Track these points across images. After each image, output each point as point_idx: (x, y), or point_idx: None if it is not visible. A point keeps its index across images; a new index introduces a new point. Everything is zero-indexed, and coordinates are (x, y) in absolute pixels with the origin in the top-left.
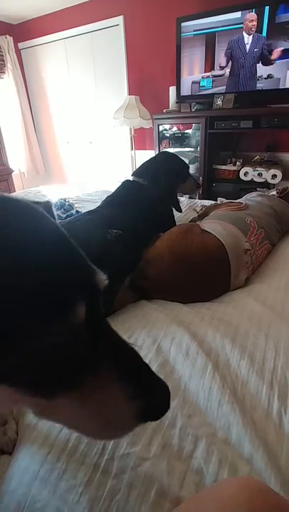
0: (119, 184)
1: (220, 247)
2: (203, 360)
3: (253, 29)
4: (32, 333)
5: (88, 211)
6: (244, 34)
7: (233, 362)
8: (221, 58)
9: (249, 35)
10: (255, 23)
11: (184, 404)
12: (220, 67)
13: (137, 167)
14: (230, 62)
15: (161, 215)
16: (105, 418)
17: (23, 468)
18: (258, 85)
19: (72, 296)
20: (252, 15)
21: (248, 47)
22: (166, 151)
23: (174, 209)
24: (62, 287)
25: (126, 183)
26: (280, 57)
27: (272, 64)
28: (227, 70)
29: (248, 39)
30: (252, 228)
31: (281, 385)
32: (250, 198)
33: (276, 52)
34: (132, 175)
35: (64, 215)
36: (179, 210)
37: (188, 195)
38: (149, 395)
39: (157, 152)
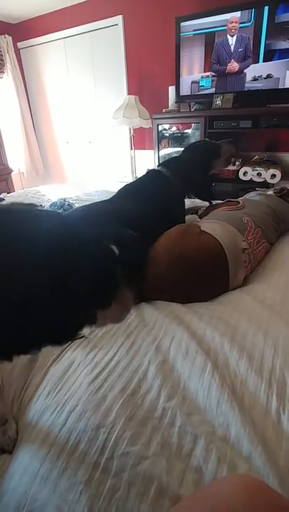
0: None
1: (217, 246)
2: (202, 359)
3: (234, 30)
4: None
5: (102, 201)
6: (228, 36)
7: (232, 361)
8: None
9: (232, 36)
10: (236, 24)
11: (184, 402)
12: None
13: (169, 158)
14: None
15: (174, 210)
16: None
17: (23, 468)
18: (257, 85)
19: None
20: (235, 17)
21: (232, 48)
22: (196, 142)
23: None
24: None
25: (149, 173)
26: (279, 57)
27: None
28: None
29: (231, 40)
30: (249, 227)
31: (279, 383)
32: (247, 198)
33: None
34: (158, 165)
35: None
36: (211, 198)
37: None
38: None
39: (156, 152)
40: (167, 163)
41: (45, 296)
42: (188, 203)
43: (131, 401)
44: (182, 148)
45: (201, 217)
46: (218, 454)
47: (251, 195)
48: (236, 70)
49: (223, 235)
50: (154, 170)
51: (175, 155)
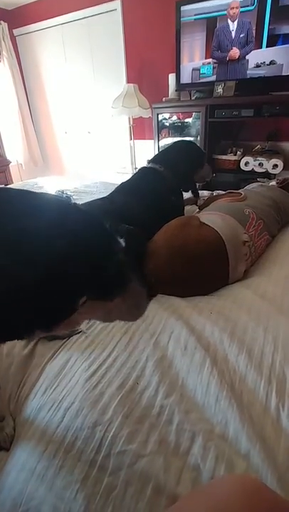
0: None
1: (218, 238)
2: (201, 355)
3: (235, 16)
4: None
5: (100, 198)
6: (228, 21)
7: (231, 357)
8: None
9: (233, 22)
10: (236, 10)
11: (182, 399)
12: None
13: (155, 154)
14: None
15: (173, 204)
16: (139, 303)
17: (20, 465)
18: (259, 72)
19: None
20: (235, 2)
21: (233, 33)
22: (183, 140)
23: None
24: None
25: (143, 170)
26: (283, 42)
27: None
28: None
29: (232, 26)
30: (250, 219)
31: (279, 380)
32: (249, 189)
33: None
34: (148, 161)
35: None
36: (197, 195)
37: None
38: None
39: (156, 142)
40: (157, 159)
41: (40, 274)
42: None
43: (128, 398)
44: (182, 138)
45: (201, 208)
46: (216, 452)
47: (253, 187)
48: (237, 56)
49: (223, 226)
50: (146, 167)
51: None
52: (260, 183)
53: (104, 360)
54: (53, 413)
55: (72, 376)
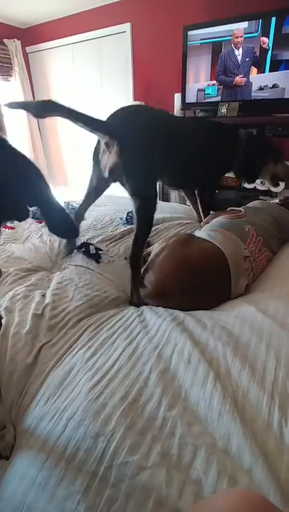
0: None
1: (219, 253)
2: (204, 368)
3: (239, 44)
4: None
5: None
6: (233, 48)
7: (234, 371)
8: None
9: (237, 49)
10: (241, 39)
11: (184, 412)
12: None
13: None
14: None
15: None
16: None
17: (21, 474)
18: (262, 94)
19: None
20: (239, 30)
21: (239, 58)
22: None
23: None
24: None
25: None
26: (285, 68)
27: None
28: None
29: (238, 52)
30: (251, 236)
31: (282, 395)
32: (249, 206)
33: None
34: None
35: None
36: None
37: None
38: None
39: None
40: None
41: None
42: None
43: (131, 409)
44: None
45: (202, 225)
46: (219, 467)
47: (254, 204)
48: (244, 83)
49: (224, 242)
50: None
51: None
52: (260, 201)
53: (108, 371)
54: (55, 423)
55: (75, 386)
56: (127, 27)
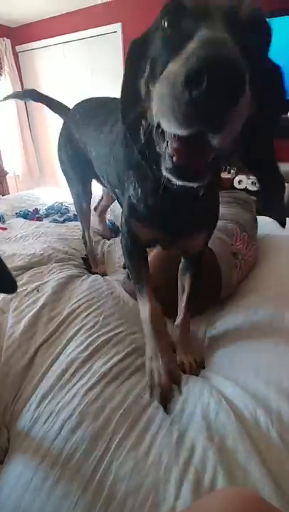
0: None
1: (208, 250)
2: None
3: None
4: None
5: None
6: None
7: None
8: None
9: None
10: None
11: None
12: None
13: None
14: None
15: None
16: None
17: (16, 477)
18: None
19: None
20: None
21: None
22: None
23: None
24: None
25: None
26: None
27: None
28: None
29: None
30: (235, 233)
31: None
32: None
33: None
34: None
35: (61, 219)
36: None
37: None
38: None
39: None
40: None
41: None
42: None
43: (131, 412)
44: None
45: None
46: (216, 464)
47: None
48: None
49: (212, 241)
50: None
51: None
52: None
53: (106, 374)
54: (50, 425)
55: (71, 388)
56: (118, 27)
